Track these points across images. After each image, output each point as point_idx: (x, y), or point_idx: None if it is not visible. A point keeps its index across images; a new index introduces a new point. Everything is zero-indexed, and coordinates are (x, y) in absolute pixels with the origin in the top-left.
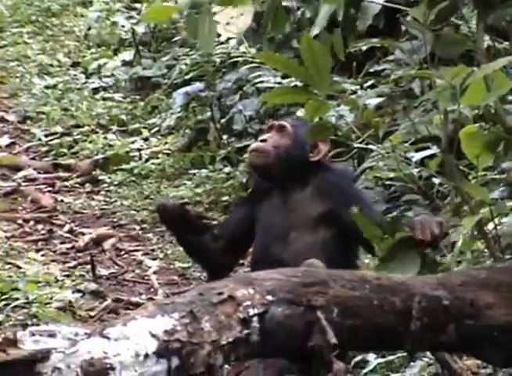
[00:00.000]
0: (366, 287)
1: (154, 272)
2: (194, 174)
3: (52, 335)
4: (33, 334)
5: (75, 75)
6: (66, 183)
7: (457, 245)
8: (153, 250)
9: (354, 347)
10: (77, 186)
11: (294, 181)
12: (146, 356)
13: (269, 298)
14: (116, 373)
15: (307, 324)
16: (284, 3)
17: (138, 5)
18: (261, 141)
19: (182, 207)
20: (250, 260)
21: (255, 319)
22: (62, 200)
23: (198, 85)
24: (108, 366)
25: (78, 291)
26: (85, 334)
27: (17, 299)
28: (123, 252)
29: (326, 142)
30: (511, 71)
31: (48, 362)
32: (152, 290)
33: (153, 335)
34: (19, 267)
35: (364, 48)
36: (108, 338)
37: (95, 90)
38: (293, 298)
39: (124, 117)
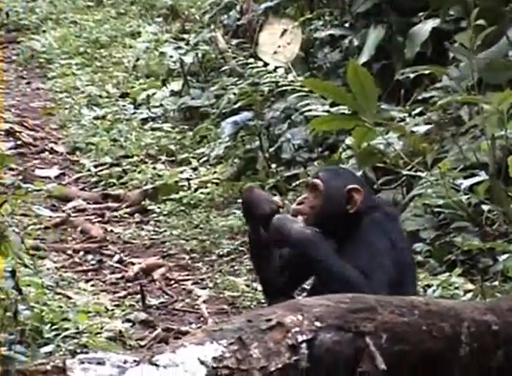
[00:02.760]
0: (415, 313)
1: (204, 302)
2: None
3: (100, 363)
4: (82, 362)
5: (124, 106)
6: (115, 213)
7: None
8: (202, 279)
9: (402, 373)
10: (126, 216)
11: (337, 235)
12: None
13: (318, 324)
14: None
15: (355, 350)
16: (332, 31)
17: (186, 36)
18: (299, 204)
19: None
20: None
21: (304, 345)
22: (111, 231)
23: (246, 114)
24: None
25: (128, 320)
26: (134, 361)
27: (67, 329)
28: (172, 282)
29: (359, 192)
30: None
31: None
32: (202, 319)
33: (202, 362)
34: (70, 297)
35: (412, 75)
36: (157, 365)
37: (144, 120)
38: (342, 324)
39: (172, 147)
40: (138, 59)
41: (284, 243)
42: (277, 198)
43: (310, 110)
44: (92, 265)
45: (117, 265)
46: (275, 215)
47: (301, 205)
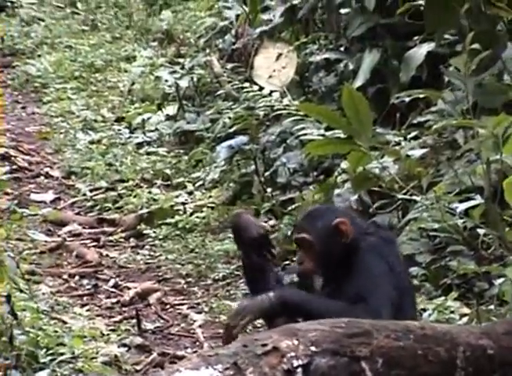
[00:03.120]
0: (410, 337)
1: (200, 326)
2: None
3: None
4: None
5: (119, 130)
6: (111, 238)
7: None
8: (198, 303)
9: None
10: (122, 240)
11: (344, 265)
12: None
13: (313, 348)
14: None
15: (351, 375)
16: (327, 55)
17: (181, 60)
18: (300, 264)
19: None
20: None
21: (299, 370)
22: (107, 255)
23: (242, 139)
24: None
25: (124, 345)
26: None
27: (63, 354)
28: (168, 306)
29: (345, 223)
30: None
31: None
32: (197, 343)
33: None
34: (65, 322)
35: (407, 99)
36: None
37: (139, 145)
38: (338, 349)
39: (168, 171)
40: (133, 84)
41: (270, 314)
42: (264, 223)
43: (305, 134)
44: (88, 289)
45: (113, 289)
46: (263, 237)
47: (302, 264)
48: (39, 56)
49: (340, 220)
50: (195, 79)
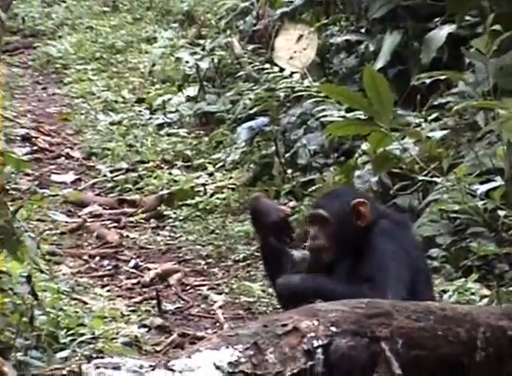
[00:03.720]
0: (431, 318)
1: (220, 307)
2: None
3: (116, 368)
4: (98, 367)
5: (140, 111)
6: (131, 219)
7: None
8: (218, 284)
9: None
10: (142, 221)
11: (357, 249)
12: None
13: (333, 329)
14: None
15: (371, 355)
16: (348, 37)
17: (202, 41)
18: (313, 239)
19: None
20: None
21: (319, 350)
22: (127, 236)
23: (262, 120)
24: None
25: (144, 326)
26: (150, 366)
27: (83, 335)
28: (188, 287)
29: (364, 204)
30: None
31: None
32: (218, 324)
33: (218, 367)
34: (85, 303)
35: (428, 81)
36: (173, 370)
37: (160, 126)
38: (358, 330)
39: (188, 152)
40: (154, 65)
41: (294, 299)
42: (284, 207)
43: (326, 116)
44: (108, 270)
45: (133, 270)
46: (284, 222)
47: (315, 240)
48: (60, 36)
49: (360, 201)
50: (215, 60)
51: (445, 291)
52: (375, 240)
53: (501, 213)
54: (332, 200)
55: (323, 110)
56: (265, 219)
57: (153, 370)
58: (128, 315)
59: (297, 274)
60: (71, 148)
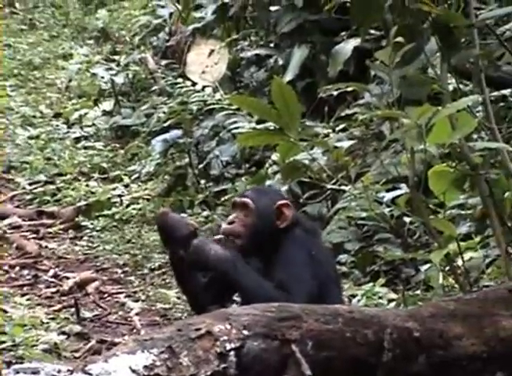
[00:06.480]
0: (339, 321)
1: (136, 314)
2: None
3: (35, 372)
4: (17, 372)
5: (57, 125)
6: (50, 230)
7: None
8: (135, 292)
9: None
10: (60, 232)
11: (268, 250)
12: None
13: (245, 332)
14: None
15: (282, 357)
16: (257, 51)
17: (116, 57)
18: (229, 223)
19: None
20: None
21: (232, 353)
22: (46, 246)
23: (176, 132)
24: None
25: (63, 333)
26: (68, 370)
27: (4, 342)
28: (106, 295)
29: (289, 207)
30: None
31: None
32: (134, 331)
33: (134, 371)
34: (6, 311)
35: (335, 92)
36: (90, 374)
37: (77, 139)
38: (269, 333)
39: (105, 164)
40: (70, 80)
41: (204, 266)
42: (192, 221)
43: (237, 128)
44: (28, 279)
45: (52, 279)
46: (192, 236)
47: (231, 225)
48: None
49: (286, 203)
50: (130, 75)
51: (354, 296)
52: (287, 246)
53: (406, 219)
54: (260, 194)
55: (235, 122)
56: (173, 234)
57: (70, 374)
58: (48, 322)
59: (216, 244)
60: None
